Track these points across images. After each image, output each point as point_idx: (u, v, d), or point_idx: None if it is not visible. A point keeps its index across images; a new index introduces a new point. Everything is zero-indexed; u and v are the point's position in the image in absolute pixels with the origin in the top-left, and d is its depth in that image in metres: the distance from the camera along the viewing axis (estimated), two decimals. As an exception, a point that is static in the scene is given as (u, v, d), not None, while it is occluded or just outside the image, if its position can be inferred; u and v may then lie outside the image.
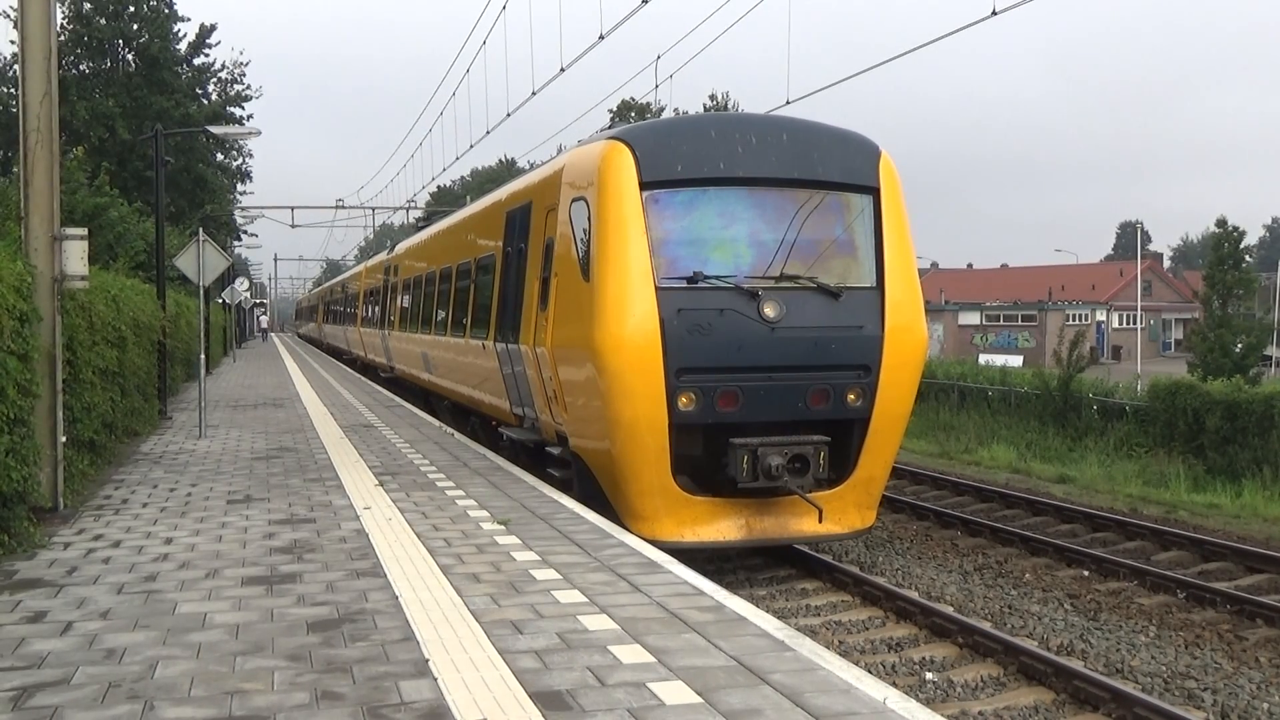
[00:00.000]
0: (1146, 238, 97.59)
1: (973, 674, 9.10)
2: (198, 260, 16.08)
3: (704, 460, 10.73)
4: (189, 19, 43.13)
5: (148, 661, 5.50)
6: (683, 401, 10.25)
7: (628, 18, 17.80)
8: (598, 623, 6.16)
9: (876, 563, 13.05)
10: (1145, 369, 42.27)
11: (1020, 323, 70.86)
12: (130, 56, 41.19)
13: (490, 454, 13.60)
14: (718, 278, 10.55)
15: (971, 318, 73.71)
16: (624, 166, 10.55)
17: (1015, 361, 49.06)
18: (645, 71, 31.14)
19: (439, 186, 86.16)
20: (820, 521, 10.78)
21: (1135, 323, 64.73)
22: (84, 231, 9.98)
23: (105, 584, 7.11)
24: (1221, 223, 40.99)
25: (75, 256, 9.74)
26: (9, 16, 30.64)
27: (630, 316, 10.17)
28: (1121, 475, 21.18)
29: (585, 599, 6.66)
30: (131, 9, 40.20)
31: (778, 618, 7.69)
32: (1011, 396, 29.74)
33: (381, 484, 11.09)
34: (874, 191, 11.17)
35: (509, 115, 27.00)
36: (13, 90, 34.83)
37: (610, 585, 7.00)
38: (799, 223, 10.91)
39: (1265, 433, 20.91)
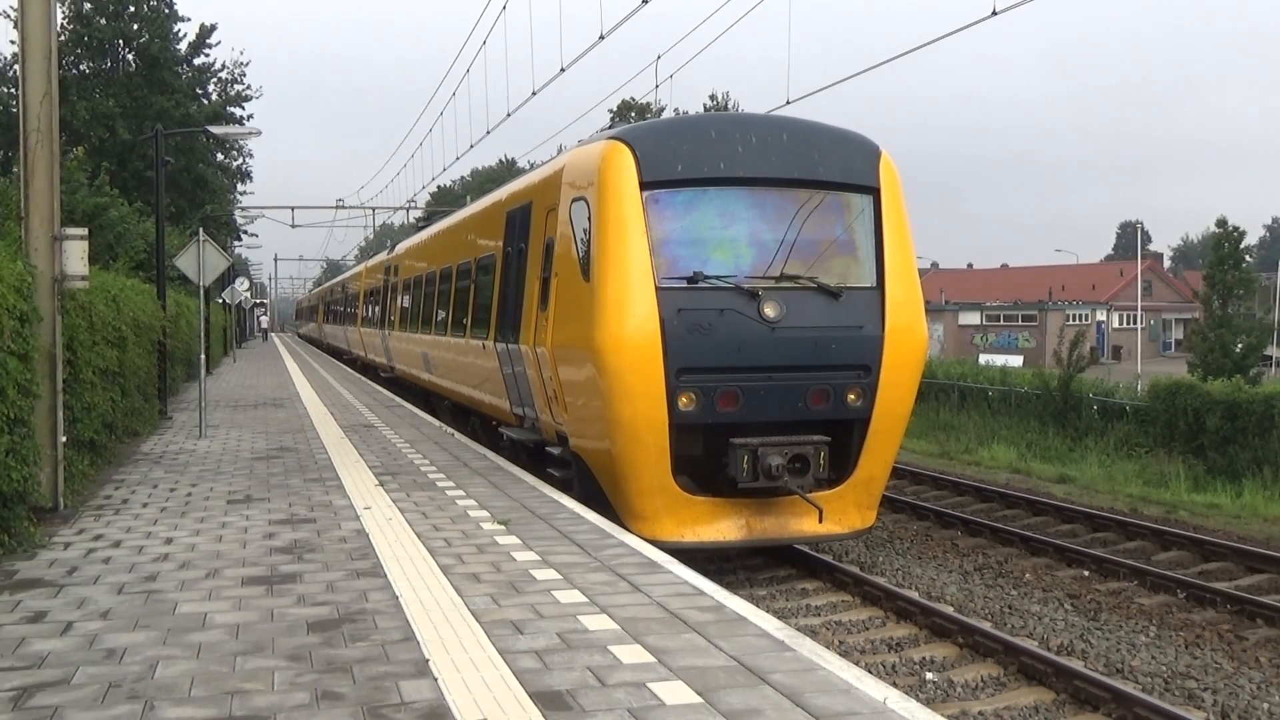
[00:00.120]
0: (1146, 238, 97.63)
1: (973, 674, 9.10)
2: (198, 260, 16.08)
3: (704, 460, 10.73)
4: (189, 19, 43.24)
5: (148, 661, 5.50)
6: (683, 401, 10.25)
7: (628, 18, 17.81)
8: (598, 623, 6.16)
9: (877, 563, 13.05)
10: (1145, 369, 42.27)
11: (1020, 323, 70.87)
12: (130, 56, 41.20)
13: (490, 454, 13.60)
14: (718, 278, 10.55)
15: (972, 318, 73.71)
16: (624, 166, 10.55)
17: (1015, 361, 49.06)
18: (645, 71, 31.16)
19: (439, 186, 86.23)
20: (820, 521, 10.78)
21: (1135, 323, 64.76)
22: (84, 231, 9.98)
23: (105, 584, 7.11)
24: (1221, 223, 40.99)
25: (75, 256, 9.74)
26: (9, 16, 30.69)
27: (630, 316, 10.17)
28: (1122, 475, 21.18)
29: (585, 599, 6.66)
30: (131, 9, 40.22)
31: (778, 618, 7.69)
32: (1012, 396, 29.74)
33: (382, 484, 11.10)
34: (874, 191, 11.17)
35: (509, 115, 27.03)
36: (13, 90, 34.85)
37: (610, 585, 7.00)
38: (799, 223, 10.91)
39: (1265, 433, 20.90)
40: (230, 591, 6.90)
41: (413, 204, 52.47)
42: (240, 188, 50.06)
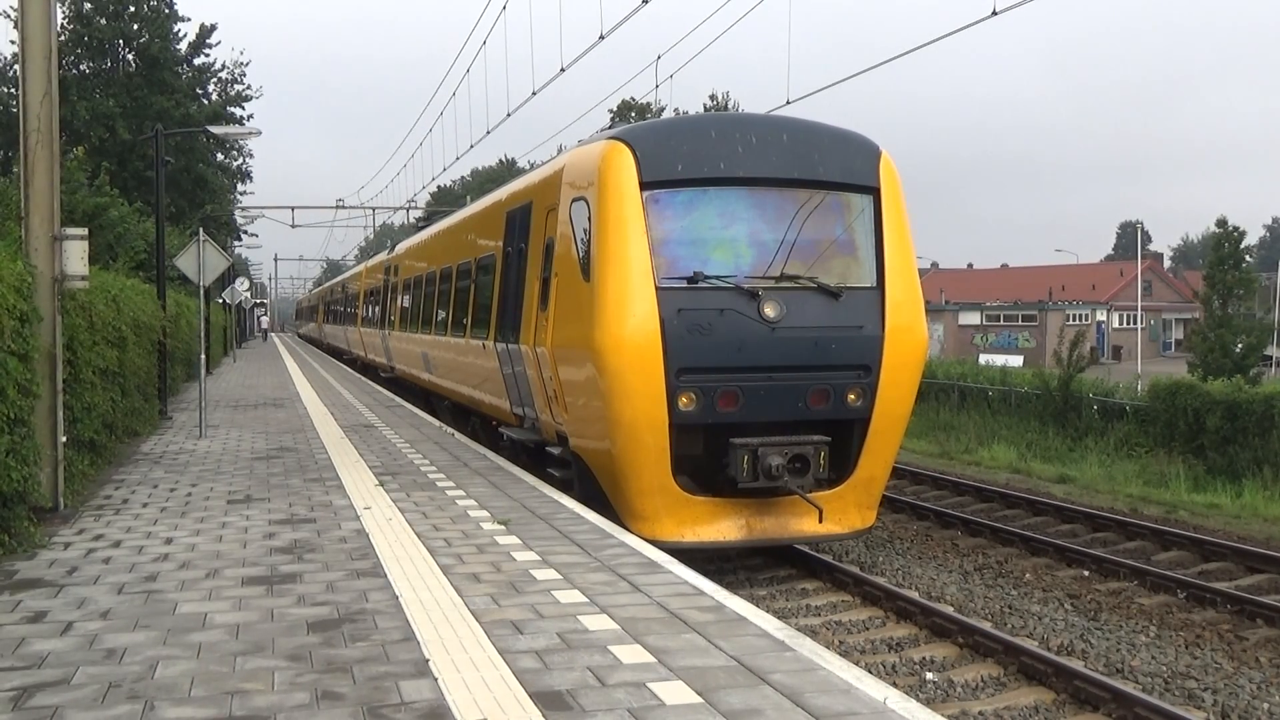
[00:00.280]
0: (1147, 238, 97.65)
1: (973, 674, 9.10)
2: (198, 260, 16.08)
3: (704, 460, 10.73)
4: (189, 19, 43.22)
5: (148, 661, 5.50)
6: (683, 401, 10.25)
7: (628, 18, 17.81)
8: (598, 623, 6.16)
9: (877, 563, 13.05)
10: (1145, 369, 42.26)
11: (1020, 323, 70.87)
12: (130, 56, 41.20)
13: (490, 454, 13.60)
14: (718, 278, 10.55)
15: (972, 318, 73.71)
16: (624, 166, 10.55)
17: (1015, 361, 49.07)
18: (645, 71, 31.17)
19: (439, 186, 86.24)
20: (820, 521, 10.78)
21: (1135, 323, 64.76)
22: (84, 231, 9.98)
23: (105, 584, 7.11)
24: (1221, 223, 41.00)
25: (75, 256, 9.74)
26: (9, 16, 30.68)
27: (630, 316, 10.17)
28: (1122, 475, 21.18)
29: (585, 599, 6.67)
30: (131, 9, 40.21)
31: (778, 618, 7.69)
32: (1012, 396, 29.74)
33: (382, 484, 11.10)
34: (874, 191, 11.17)
35: (509, 115, 27.02)
36: (13, 90, 34.85)
37: (610, 585, 7.01)
38: (799, 223, 10.91)
39: (1265, 433, 20.90)
40: (230, 591, 6.90)
41: (413, 204, 52.52)
42: (240, 188, 50.11)
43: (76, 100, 36.51)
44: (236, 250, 60.19)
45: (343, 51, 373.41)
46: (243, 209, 51.64)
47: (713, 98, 68.14)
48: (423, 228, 26.23)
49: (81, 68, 40.62)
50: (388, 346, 27.11)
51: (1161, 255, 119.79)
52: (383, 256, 31.27)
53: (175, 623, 6.20)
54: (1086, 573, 12.91)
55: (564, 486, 11.50)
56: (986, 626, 10.10)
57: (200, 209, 40.98)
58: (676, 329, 10.24)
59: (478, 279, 16.14)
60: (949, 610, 10.59)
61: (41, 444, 9.07)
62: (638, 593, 6.82)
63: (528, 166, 46.02)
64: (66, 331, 10.05)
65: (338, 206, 56.87)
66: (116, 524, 9.17)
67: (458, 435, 15.83)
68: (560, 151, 15.09)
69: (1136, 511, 17.70)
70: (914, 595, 11.22)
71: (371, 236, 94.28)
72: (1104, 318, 73.52)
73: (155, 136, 21.09)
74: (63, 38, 37.61)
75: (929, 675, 9.05)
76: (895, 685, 7.93)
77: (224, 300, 39.05)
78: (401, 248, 27.13)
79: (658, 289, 10.27)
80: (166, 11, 41.35)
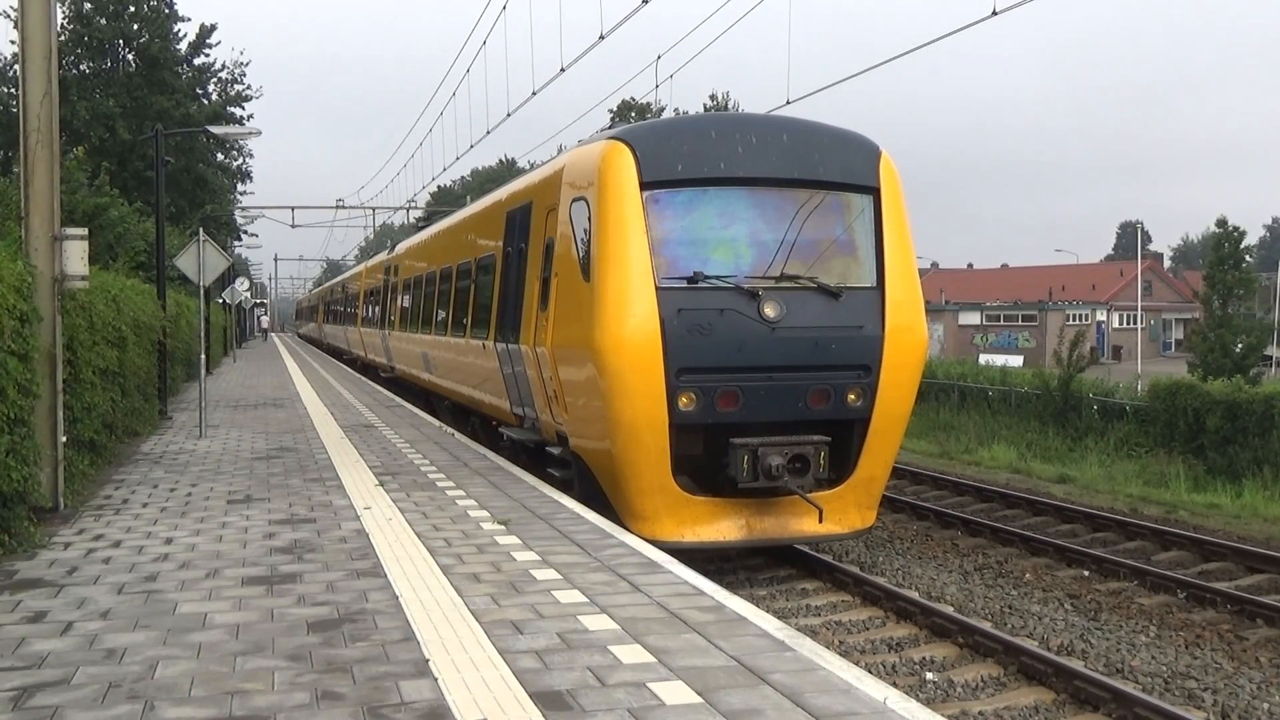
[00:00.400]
0: (1147, 238, 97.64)
1: (973, 674, 9.10)
2: (198, 260, 16.08)
3: (704, 460, 10.73)
4: (189, 19, 43.20)
5: (148, 661, 5.50)
6: (683, 401, 10.25)
7: (628, 18, 17.81)
8: (598, 623, 6.16)
9: (877, 563, 13.05)
10: (1145, 369, 42.27)
11: (1020, 323, 70.88)
12: (130, 56, 41.20)
13: (490, 454, 13.60)
14: (718, 278, 10.54)
15: (972, 318, 73.72)
16: (624, 166, 10.55)
17: (1015, 361, 49.08)
18: (645, 71, 31.17)
19: (439, 186, 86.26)
20: (820, 521, 10.78)
21: (1135, 323, 64.77)
22: (84, 231, 9.98)
23: (105, 584, 7.11)
24: (1221, 223, 41.01)
25: (75, 256, 9.74)
26: (9, 16, 30.68)
27: (630, 316, 10.17)
28: (1122, 475, 21.18)
29: (585, 599, 6.67)
30: (131, 9, 40.21)
31: (778, 618, 7.69)
32: (1012, 396, 29.74)
33: (382, 484, 11.10)
34: (874, 191, 11.17)
35: (509, 115, 27.02)
36: (13, 90, 34.85)
37: (610, 585, 7.01)
38: (799, 223, 10.91)
39: (1265, 433, 20.90)
40: (230, 591, 6.90)
41: (413, 204, 52.51)
42: (240, 188, 50.09)
43: (76, 100, 36.51)
44: (236, 250, 60.20)
45: (343, 51, 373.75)
46: (243, 209, 51.69)
47: (713, 98, 68.17)
48: (423, 228, 26.23)
49: (81, 68, 40.62)
50: (388, 346, 27.11)
51: (1161, 255, 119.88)
52: (383, 256, 31.28)
53: (175, 623, 6.20)
54: (1086, 573, 12.91)
55: (564, 486, 11.50)
56: (986, 626, 10.10)
57: (200, 209, 40.98)
58: (676, 329, 10.24)
59: (478, 279, 16.14)
60: (949, 610, 10.59)
61: (41, 444, 9.08)
62: (638, 593, 6.82)
63: (528, 166, 46.04)
64: (66, 331, 10.05)
65: (338, 206, 56.94)
66: (116, 524, 9.17)
67: (458, 435, 15.83)
68: (560, 151, 15.09)
69: (1136, 511, 17.70)
70: (914, 595, 11.22)
71: (371, 236, 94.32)
72: (1104, 318, 73.53)
73: (155, 136, 21.09)
74: (63, 38, 37.61)
75: (929, 675, 9.05)
76: (895, 685, 7.93)
77: (224, 300, 39.05)
78: (401, 248, 27.13)
79: (658, 289, 10.27)
80: (166, 11, 41.35)
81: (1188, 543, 14.33)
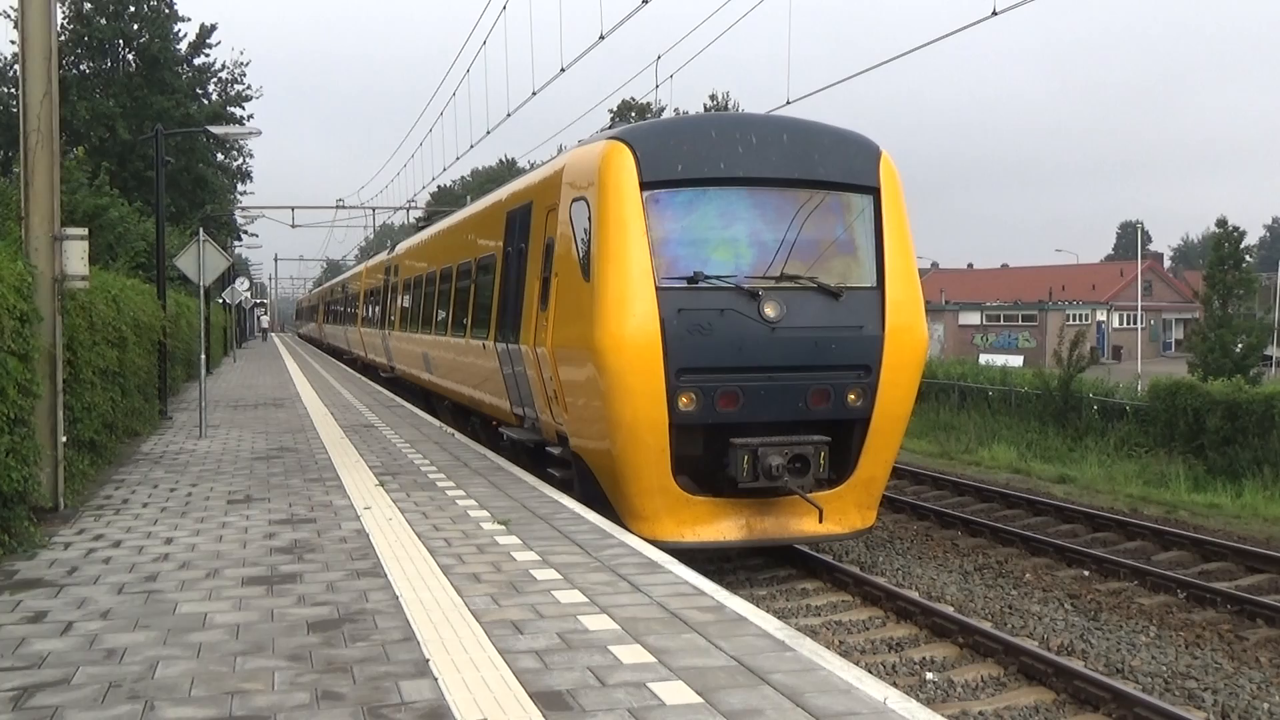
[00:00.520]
0: (1147, 238, 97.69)
1: (973, 674, 9.10)
2: (198, 260, 16.09)
3: (704, 460, 10.73)
4: (189, 19, 43.14)
5: (148, 661, 5.51)
6: (683, 401, 10.25)
7: (628, 18, 17.80)
8: (598, 623, 6.16)
9: (877, 563, 13.05)
10: (1145, 369, 42.27)
11: (1020, 323, 70.89)
12: (130, 56, 41.16)
13: (491, 454, 13.60)
14: (718, 278, 10.55)
15: (972, 318, 73.72)
16: (624, 166, 10.55)
17: (1016, 361, 49.07)
18: (645, 71, 31.17)
19: (439, 186, 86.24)
20: (821, 521, 10.78)
21: (1136, 323, 64.78)
22: (84, 231, 9.98)
23: (106, 584, 7.11)
24: (1222, 223, 41.01)
25: (76, 256, 9.74)
26: (9, 16, 30.70)
27: (631, 316, 10.17)
28: (1122, 475, 21.18)
29: (586, 599, 6.67)
30: (132, 9, 40.18)
31: (778, 618, 7.69)
32: (1012, 396, 29.74)
33: (382, 484, 11.10)
34: (874, 191, 11.17)
35: (509, 115, 26.99)
36: (13, 90, 34.84)
37: (611, 585, 7.01)
38: (799, 223, 10.91)
39: (1265, 433, 20.90)
40: (230, 591, 6.90)
41: (413, 204, 52.49)
42: (240, 188, 50.04)
43: (76, 100, 36.49)
44: (236, 250, 60.21)
45: (343, 51, 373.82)
46: (243, 209, 51.65)
47: (713, 98, 68.16)
48: (423, 228, 26.24)
49: (81, 68, 40.59)
50: (388, 346, 27.12)
51: (1161, 255, 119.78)
52: (383, 256, 31.28)
53: (175, 623, 6.20)
54: (1086, 573, 12.91)
55: (564, 486, 11.50)
56: (987, 626, 10.10)
57: (200, 209, 40.96)
58: (676, 329, 10.24)
59: (478, 279, 16.14)
60: (949, 610, 10.59)
61: (42, 444, 9.08)
62: (638, 593, 6.82)
63: (528, 166, 46.03)
64: (67, 331, 10.05)
65: (338, 206, 56.91)
66: (116, 524, 9.17)
67: (458, 435, 15.83)
68: (560, 151, 15.09)
69: (1136, 511, 17.70)
70: (914, 595, 11.22)
71: (371, 236, 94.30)
72: (1104, 318, 73.54)
73: (155, 136, 21.09)
74: (63, 38, 37.60)
75: (929, 675, 9.05)
76: (895, 685, 7.93)
77: (224, 300, 39.07)
78: (402, 248, 27.13)
79: (658, 289, 10.27)
80: (166, 11, 41.32)
81: (1188, 543, 14.33)
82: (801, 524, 10.92)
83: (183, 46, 42.27)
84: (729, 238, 10.79)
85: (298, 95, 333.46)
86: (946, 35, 15.03)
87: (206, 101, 42.25)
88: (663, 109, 58.07)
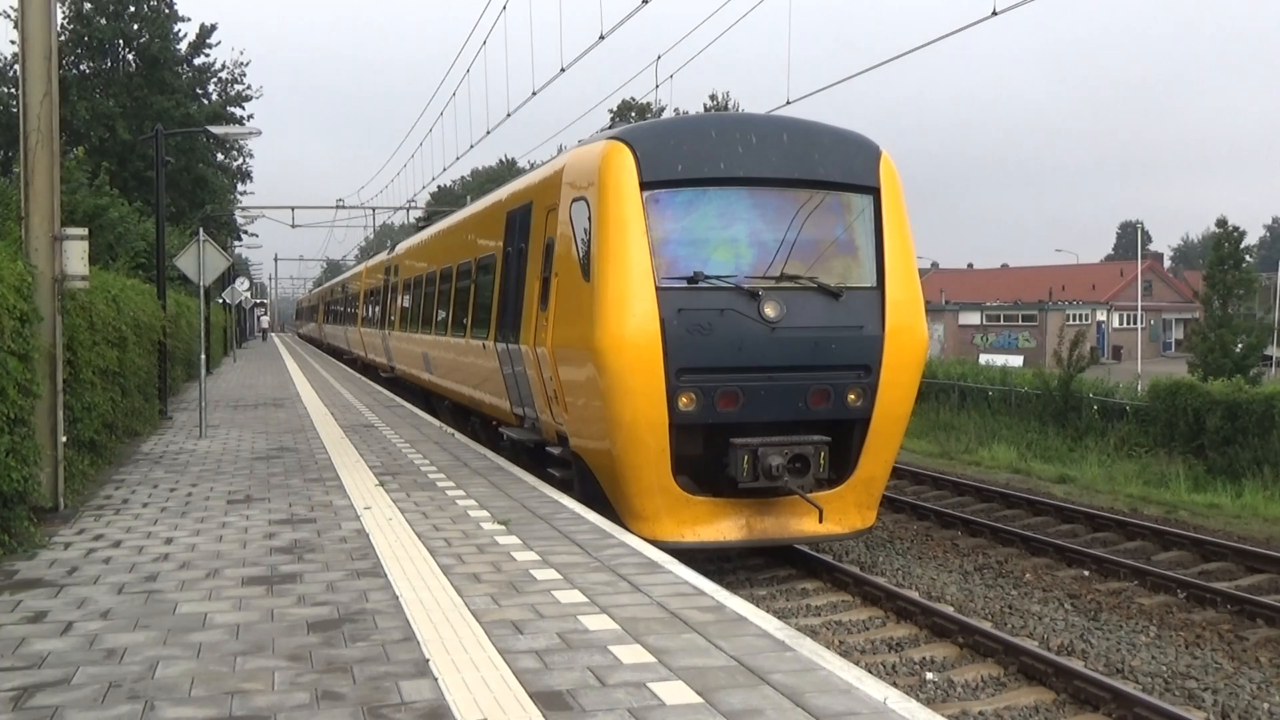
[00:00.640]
0: (1147, 238, 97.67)
1: (973, 674, 9.10)
2: (198, 260, 16.09)
3: (704, 460, 10.73)
4: (189, 19, 43.17)
5: (148, 661, 5.51)
6: (683, 401, 10.25)
7: (628, 18, 17.80)
8: (598, 623, 6.16)
9: (877, 563, 13.05)
10: (1146, 369, 42.27)
11: (1021, 323, 70.88)
12: (130, 56, 41.16)
13: (491, 454, 13.60)
14: (718, 278, 10.55)
15: (972, 318, 73.72)
16: (624, 166, 10.55)
17: (1016, 361, 49.08)
18: (645, 71, 31.13)
19: (439, 186, 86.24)
20: (821, 521, 10.78)
21: (1136, 323, 64.79)
22: (84, 231, 9.98)
23: (106, 584, 7.11)
24: (1222, 223, 41.02)
25: (76, 256, 9.74)
26: (9, 16, 30.70)
27: (631, 316, 10.17)
28: (1122, 475, 21.18)
29: (586, 599, 6.67)
30: (132, 9, 40.18)
31: (778, 618, 7.69)
32: (1012, 396, 29.75)
33: (382, 484, 11.10)
34: (874, 191, 11.17)
35: (509, 115, 26.98)
36: (13, 90, 34.84)
37: (611, 585, 7.01)
38: (799, 223, 10.91)
39: (1266, 433, 20.91)
40: (230, 591, 6.90)
41: (413, 204, 52.47)
42: (240, 188, 50.03)
43: (76, 100, 36.49)
44: (236, 250, 60.23)
45: (343, 51, 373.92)
46: (243, 209, 51.63)
47: (713, 98, 68.12)
48: (423, 228, 26.24)
49: (81, 68, 40.59)
50: (388, 346, 27.12)
51: (1162, 255, 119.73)
52: (383, 256, 31.28)
53: (175, 623, 6.20)
54: (1086, 573, 12.91)
55: (564, 486, 11.50)
56: (986, 626, 10.10)
57: (200, 209, 40.96)
58: (676, 329, 10.24)
59: (478, 279, 16.14)
60: (949, 610, 10.59)
61: (42, 444, 9.08)
62: (638, 593, 6.82)
63: (528, 166, 46.02)
64: (67, 331, 10.05)
65: (338, 206, 56.89)
66: (117, 524, 9.17)
67: (458, 435, 15.83)
68: (560, 151, 15.09)
69: (1136, 511, 17.70)
70: (914, 595, 11.22)
71: (371, 236, 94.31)
72: (1104, 318, 73.54)
73: (155, 136, 21.09)
74: (63, 38, 37.59)
75: (929, 675, 9.05)
76: (895, 685, 7.93)
77: (224, 300, 39.06)
78: (402, 248, 27.13)
79: (658, 289, 10.27)
80: (166, 11, 41.32)
81: (1188, 543, 14.34)
82: (801, 524, 10.92)
83: (183, 46, 42.29)
84: (729, 238, 10.79)
85: (298, 95, 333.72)
86: (946, 35, 15.04)
87: (206, 101, 42.25)
88: (663, 109, 58.06)
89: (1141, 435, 23.78)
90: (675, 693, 5.03)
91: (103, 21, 39.74)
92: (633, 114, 58.30)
